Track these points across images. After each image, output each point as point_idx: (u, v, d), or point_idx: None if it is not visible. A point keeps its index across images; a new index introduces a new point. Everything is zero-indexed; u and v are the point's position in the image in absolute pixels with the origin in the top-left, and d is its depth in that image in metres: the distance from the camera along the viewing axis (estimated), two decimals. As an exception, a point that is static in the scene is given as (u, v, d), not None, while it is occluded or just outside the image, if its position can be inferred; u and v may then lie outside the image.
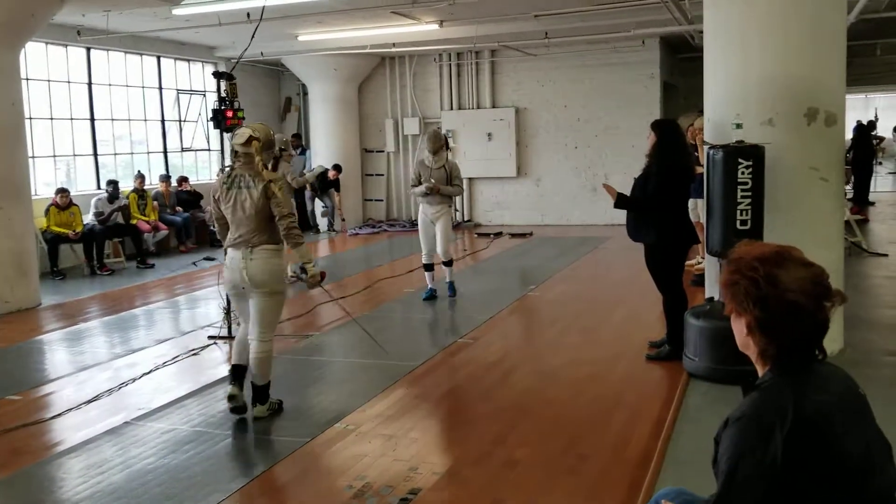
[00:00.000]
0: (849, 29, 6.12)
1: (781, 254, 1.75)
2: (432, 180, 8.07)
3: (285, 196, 4.95)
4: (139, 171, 12.52)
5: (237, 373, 5.02)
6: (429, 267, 8.45)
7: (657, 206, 5.68)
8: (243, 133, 4.76)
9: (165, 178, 13.07)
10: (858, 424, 1.75)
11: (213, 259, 11.40)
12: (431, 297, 8.45)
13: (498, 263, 10.97)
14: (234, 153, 4.82)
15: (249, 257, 4.76)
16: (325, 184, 14.32)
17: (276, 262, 4.84)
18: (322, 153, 15.17)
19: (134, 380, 5.95)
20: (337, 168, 14.43)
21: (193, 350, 6.74)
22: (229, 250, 4.88)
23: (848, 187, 14.23)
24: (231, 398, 4.96)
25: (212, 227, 5.23)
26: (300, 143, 16.17)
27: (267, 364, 4.98)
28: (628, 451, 4.34)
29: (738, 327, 1.81)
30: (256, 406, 5.01)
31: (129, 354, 6.78)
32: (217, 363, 6.48)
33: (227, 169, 4.83)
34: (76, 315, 8.45)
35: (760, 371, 1.81)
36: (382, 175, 16.26)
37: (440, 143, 8.29)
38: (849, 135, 14.73)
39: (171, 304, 9.11)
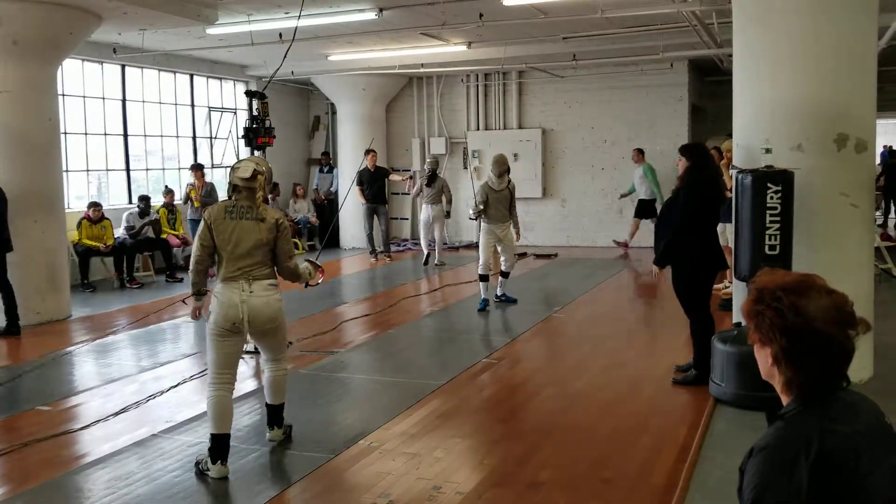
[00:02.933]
0: (879, 54, 6.09)
1: (804, 282, 1.73)
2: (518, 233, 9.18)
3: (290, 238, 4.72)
4: (167, 186, 12.72)
5: (224, 445, 4.44)
6: (485, 278, 8.97)
7: (687, 229, 5.65)
8: (247, 167, 4.50)
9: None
10: (885, 455, 1.72)
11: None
12: (485, 308, 8.86)
13: (523, 284, 10.94)
14: (234, 187, 4.51)
15: (249, 290, 4.41)
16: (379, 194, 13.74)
17: (279, 298, 4.58)
18: (349, 172, 15.26)
19: (161, 393, 6.02)
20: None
21: (220, 365, 6.78)
22: (222, 285, 4.45)
23: (878, 213, 14.08)
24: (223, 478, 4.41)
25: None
26: (329, 161, 16.32)
27: (285, 383, 4.90)
28: (653, 477, 4.31)
29: (763, 357, 1.80)
30: (274, 429, 4.91)
31: (157, 368, 6.86)
32: (244, 378, 6.51)
33: (231, 199, 4.56)
34: (105, 327, 8.57)
35: (785, 400, 1.80)
36: (409, 194, 16.32)
37: (506, 167, 8.88)
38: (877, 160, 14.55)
39: (198, 318, 9.19)
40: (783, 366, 1.73)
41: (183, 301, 9.30)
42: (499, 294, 9.33)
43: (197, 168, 11.99)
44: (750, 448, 1.74)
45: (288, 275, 4.66)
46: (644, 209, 13.47)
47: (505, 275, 9.28)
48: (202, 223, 4.56)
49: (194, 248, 4.59)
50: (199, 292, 4.67)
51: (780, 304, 1.70)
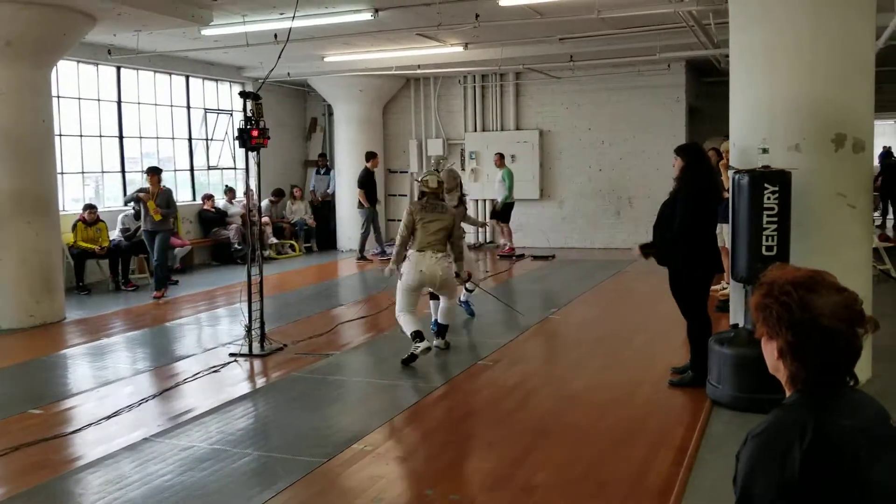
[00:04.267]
0: (877, 54, 6.05)
1: (814, 278, 1.73)
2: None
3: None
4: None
5: (420, 333, 6.57)
6: (436, 297, 7.56)
7: (685, 230, 5.61)
8: (433, 179, 6.77)
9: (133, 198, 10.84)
10: (888, 454, 1.69)
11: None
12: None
13: (520, 286, 10.92)
14: (423, 193, 6.78)
15: (436, 259, 6.55)
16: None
17: (450, 263, 6.70)
18: (346, 173, 15.25)
19: (154, 396, 5.97)
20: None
21: (214, 367, 6.75)
22: (416, 254, 6.56)
23: (876, 214, 14.05)
24: (428, 349, 6.55)
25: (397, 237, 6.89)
26: (326, 163, 16.29)
27: (453, 312, 7.23)
28: (650, 479, 4.27)
29: (769, 351, 1.78)
30: (438, 339, 7.04)
31: (151, 370, 6.81)
32: (238, 380, 6.49)
33: (423, 200, 6.76)
34: (100, 330, 8.52)
35: (787, 390, 1.79)
36: (406, 195, 16.30)
37: (457, 182, 8.25)
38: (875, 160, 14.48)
39: (193, 320, 9.15)
40: (788, 360, 1.73)
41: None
42: (462, 299, 8.41)
43: (153, 172, 10.32)
44: (746, 435, 1.74)
45: (457, 251, 6.80)
46: (502, 213, 13.90)
47: (468, 290, 8.49)
48: (407, 214, 6.67)
49: (401, 232, 6.70)
50: (398, 260, 6.76)
51: (788, 298, 1.69)
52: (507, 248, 14.06)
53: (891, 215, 17.23)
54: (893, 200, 17.08)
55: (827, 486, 1.61)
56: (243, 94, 7.15)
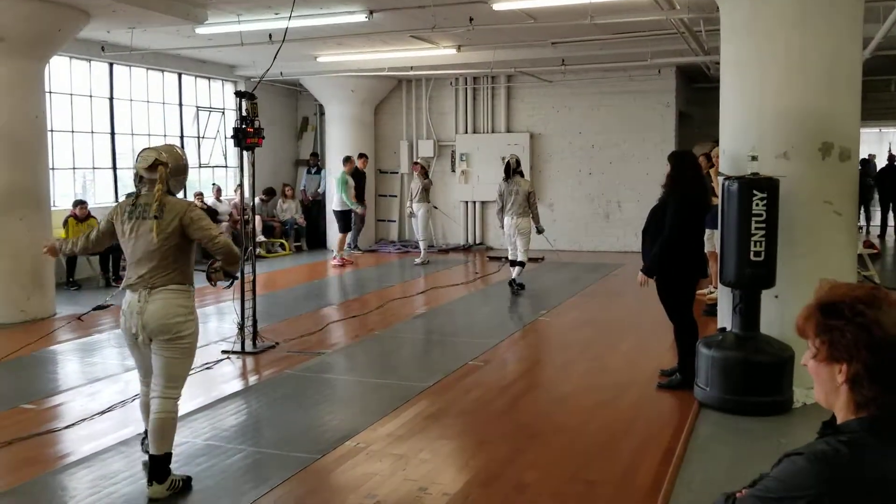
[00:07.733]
0: (864, 64, 6.16)
1: (876, 295, 1.63)
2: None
3: None
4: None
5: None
6: (513, 262, 10.39)
7: (677, 236, 5.71)
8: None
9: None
10: None
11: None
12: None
13: (509, 287, 10.98)
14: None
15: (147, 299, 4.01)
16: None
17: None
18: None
19: (147, 392, 5.99)
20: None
21: (206, 364, 6.77)
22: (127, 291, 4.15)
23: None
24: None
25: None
26: (317, 162, 16.31)
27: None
28: (638, 479, 4.34)
29: (828, 375, 1.64)
30: (152, 485, 4.08)
31: (142, 367, 6.82)
32: (230, 378, 6.52)
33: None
34: (90, 326, 8.52)
35: (843, 416, 1.65)
36: (396, 196, 16.35)
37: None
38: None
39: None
40: (865, 384, 1.59)
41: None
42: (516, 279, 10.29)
43: None
44: (799, 452, 1.61)
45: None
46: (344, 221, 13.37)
47: (521, 264, 10.34)
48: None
49: None
50: None
51: (863, 318, 1.58)
52: (339, 259, 13.29)
53: (876, 222, 17.40)
54: (867, 207, 17.23)
55: None
56: (239, 94, 7.18)
